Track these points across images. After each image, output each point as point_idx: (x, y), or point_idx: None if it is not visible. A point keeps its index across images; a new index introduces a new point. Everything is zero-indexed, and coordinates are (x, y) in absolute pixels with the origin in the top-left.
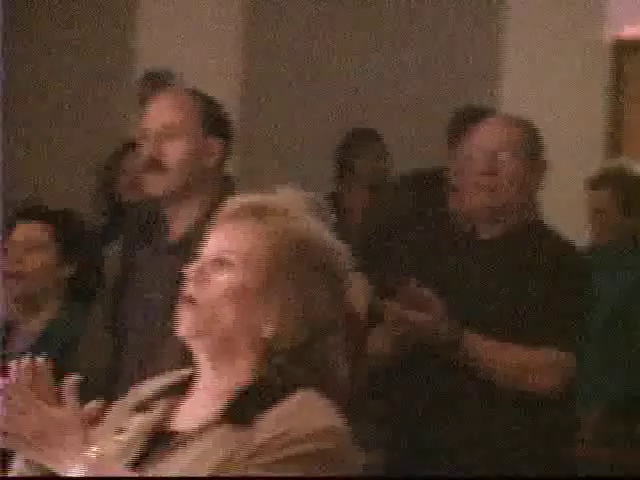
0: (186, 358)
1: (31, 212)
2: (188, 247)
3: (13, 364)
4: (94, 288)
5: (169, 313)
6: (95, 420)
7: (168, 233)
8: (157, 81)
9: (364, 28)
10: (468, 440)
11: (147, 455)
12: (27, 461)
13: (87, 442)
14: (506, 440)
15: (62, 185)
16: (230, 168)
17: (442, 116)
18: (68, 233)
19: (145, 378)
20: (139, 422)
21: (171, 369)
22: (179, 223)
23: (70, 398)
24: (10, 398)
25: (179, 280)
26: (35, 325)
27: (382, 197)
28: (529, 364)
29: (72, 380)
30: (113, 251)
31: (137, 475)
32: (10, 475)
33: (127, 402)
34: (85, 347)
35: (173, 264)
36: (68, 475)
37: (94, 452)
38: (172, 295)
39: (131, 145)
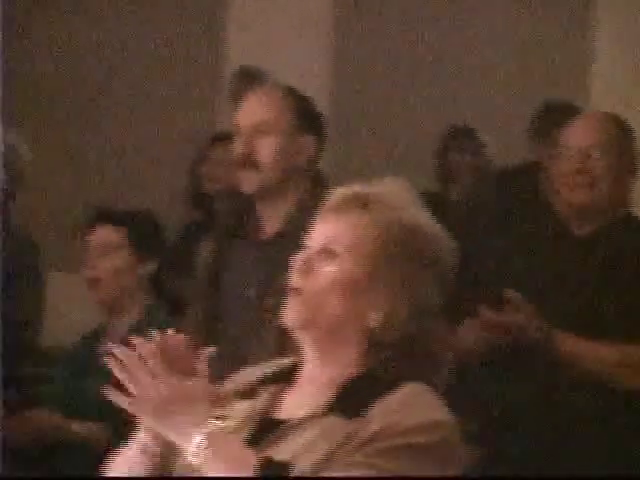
0: (281, 349)
1: (103, 216)
2: (281, 243)
3: (156, 334)
4: (181, 284)
5: (263, 307)
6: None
7: (261, 229)
8: (251, 78)
9: (457, 26)
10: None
11: (254, 441)
12: (149, 432)
13: (211, 416)
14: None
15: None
16: (323, 166)
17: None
18: (142, 233)
19: (238, 369)
20: (245, 408)
21: (265, 360)
22: (273, 219)
23: (202, 369)
24: (146, 362)
25: (273, 275)
26: (120, 326)
27: (475, 194)
28: (624, 362)
29: (207, 352)
30: (205, 246)
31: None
32: (129, 443)
33: (225, 389)
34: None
35: (266, 259)
36: (188, 445)
37: (214, 426)
38: (266, 289)
39: (217, 138)
